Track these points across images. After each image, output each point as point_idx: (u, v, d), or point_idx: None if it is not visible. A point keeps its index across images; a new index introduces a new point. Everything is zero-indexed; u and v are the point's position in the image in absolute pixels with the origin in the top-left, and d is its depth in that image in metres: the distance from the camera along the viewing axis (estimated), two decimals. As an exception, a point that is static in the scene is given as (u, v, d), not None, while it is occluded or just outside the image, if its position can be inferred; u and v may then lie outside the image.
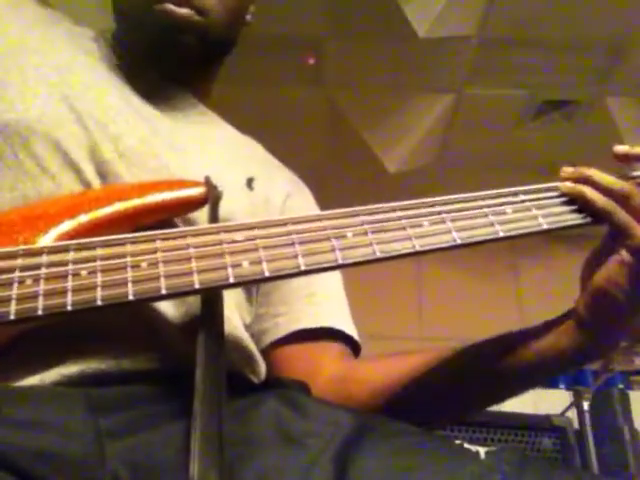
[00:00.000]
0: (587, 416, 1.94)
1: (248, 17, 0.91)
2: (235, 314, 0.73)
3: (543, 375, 0.73)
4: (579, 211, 0.67)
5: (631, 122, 3.13)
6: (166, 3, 0.78)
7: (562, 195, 0.68)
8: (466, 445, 0.59)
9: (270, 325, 0.84)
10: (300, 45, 2.79)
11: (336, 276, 0.91)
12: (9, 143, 0.67)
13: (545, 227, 0.65)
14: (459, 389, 0.75)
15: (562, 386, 2.34)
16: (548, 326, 0.70)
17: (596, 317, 0.66)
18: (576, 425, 1.94)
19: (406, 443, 0.60)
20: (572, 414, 1.98)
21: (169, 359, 0.64)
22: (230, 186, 0.72)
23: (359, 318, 0.92)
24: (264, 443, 0.59)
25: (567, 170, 0.70)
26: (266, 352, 0.83)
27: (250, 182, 0.80)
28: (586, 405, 1.95)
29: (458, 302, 3.57)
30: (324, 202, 0.95)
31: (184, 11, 0.79)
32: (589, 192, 0.67)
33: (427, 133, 3.30)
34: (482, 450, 0.58)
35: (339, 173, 3.39)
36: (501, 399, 0.76)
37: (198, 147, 0.80)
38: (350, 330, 0.86)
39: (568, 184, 0.69)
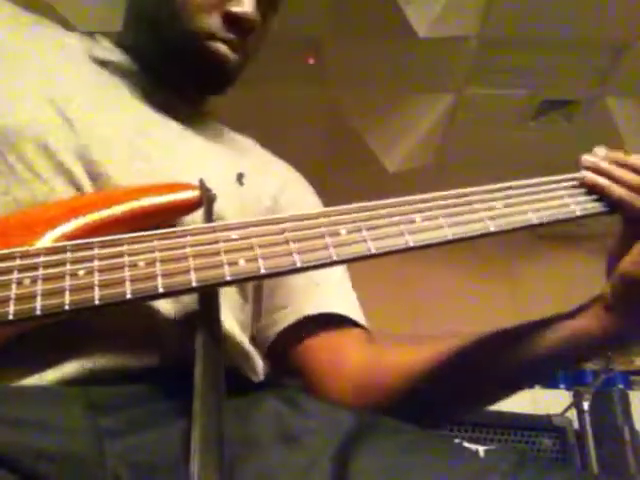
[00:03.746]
0: (587, 416, 1.94)
1: None
2: (229, 314, 0.73)
3: (571, 358, 0.74)
4: (592, 201, 0.70)
5: (631, 122, 3.13)
6: (221, 44, 0.79)
7: (580, 185, 0.71)
8: (465, 444, 0.59)
9: (278, 316, 0.83)
10: (300, 45, 2.79)
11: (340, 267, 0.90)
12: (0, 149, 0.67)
13: (535, 222, 0.67)
14: (492, 371, 0.75)
15: (562, 386, 2.34)
16: (580, 310, 0.72)
17: (624, 301, 0.68)
18: (576, 425, 1.94)
19: (405, 442, 0.60)
20: (572, 414, 1.98)
21: (168, 358, 0.64)
22: (220, 182, 0.72)
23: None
24: (264, 442, 0.59)
25: (588, 160, 0.73)
26: (279, 345, 0.83)
27: (240, 177, 0.80)
28: (586, 405, 1.95)
29: (454, 301, 3.57)
30: (324, 202, 0.95)
31: (234, 56, 0.81)
32: (606, 184, 0.70)
33: (427, 133, 3.31)
34: (481, 449, 0.58)
35: (339, 173, 3.40)
36: (532, 381, 0.77)
37: (187, 145, 0.80)
38: (357, 316, 0.85)
39: (590, 175, 0.71)
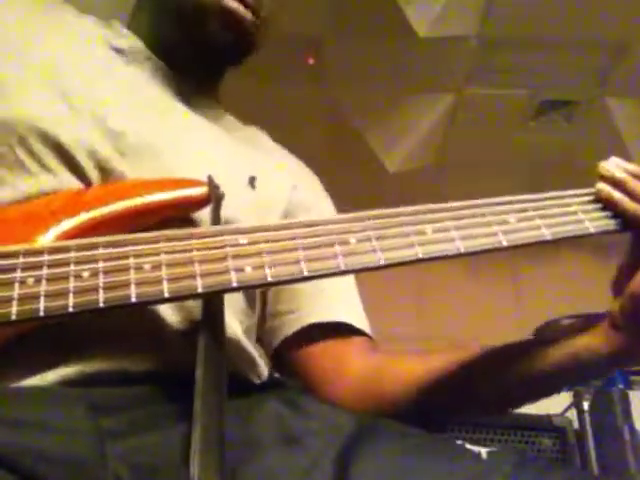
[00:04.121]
0: (587, 416, 1.93)
1: None
2: (232, 318, 0.72)
3: (577, 376, 0.73)
4: (607, 218, 0.68)
5: (631, 122, 3.13)
6: (237, 3, 0.79)
7: (594, 200, 0.69)
8: (467, 446, 0.60)
9: (282, 322, 0.83)
10: (300, 45, 2.79)
11: None
12: (8, 142, 0.66)
13: (548, 238, 0.65)
14: (494, 387, 0.74)
15: (562, 386, 2.34)
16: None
17: (633, 320, 0.67)
18: (576, 425, 1.94)
19: (407, 444, 0.60)
20: (572, 414, 1.98)
21: (170, 360, 0.64)
22: (232, 185, 0.72)
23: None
24: (265, 444, 0.59)
25: (605, 168, 0.70)
26: (283, 350, 0.83)
27: (252, 181, 0.80)
28: (586, 405, 1.95)
29: (457, 303, 3.56)
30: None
31: (250, 17, 0.81)
32: (620, 199, 0.68)
33: (427, 133, 3.30)
34: (484, 450, 0.58)
35: (339, 173, 3.39)
36: (535, 399, 0.76)
37: (200, 144, 0.79)
38: (361, 324, 0.85)
39: (605, 189, 0.69)
